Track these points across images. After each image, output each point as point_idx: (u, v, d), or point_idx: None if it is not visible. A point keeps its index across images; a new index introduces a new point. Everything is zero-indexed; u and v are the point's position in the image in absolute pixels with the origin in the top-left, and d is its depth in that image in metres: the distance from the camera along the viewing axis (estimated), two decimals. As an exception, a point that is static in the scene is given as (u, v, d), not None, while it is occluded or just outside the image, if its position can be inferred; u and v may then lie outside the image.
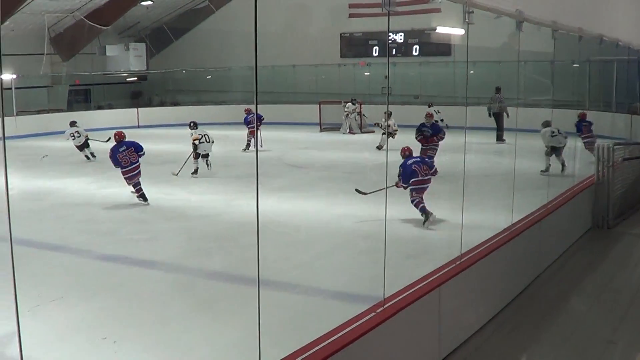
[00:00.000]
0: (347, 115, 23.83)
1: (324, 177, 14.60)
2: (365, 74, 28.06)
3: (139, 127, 27.05)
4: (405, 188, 10.20)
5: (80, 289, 7.65)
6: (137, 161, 12.05)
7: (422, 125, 13.93)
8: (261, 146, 18.31)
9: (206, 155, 14.91)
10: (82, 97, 31.08)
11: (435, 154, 13.77)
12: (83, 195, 13.34)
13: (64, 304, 7.11)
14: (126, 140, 12.26)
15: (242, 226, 10.07)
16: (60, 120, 27.25)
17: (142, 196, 12.05)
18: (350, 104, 23.93)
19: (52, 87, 30.32)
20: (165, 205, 12.09)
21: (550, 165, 13.98)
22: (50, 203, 12.55)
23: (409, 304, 5.36)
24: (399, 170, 10.22)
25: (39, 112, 27.74)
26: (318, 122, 25.02)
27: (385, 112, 17.35)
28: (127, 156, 12.03)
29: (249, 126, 18.74)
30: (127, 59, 29.93)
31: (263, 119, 18.45)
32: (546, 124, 13.92)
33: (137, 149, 12.10)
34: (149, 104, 31.79)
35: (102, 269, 8.44)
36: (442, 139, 13.99)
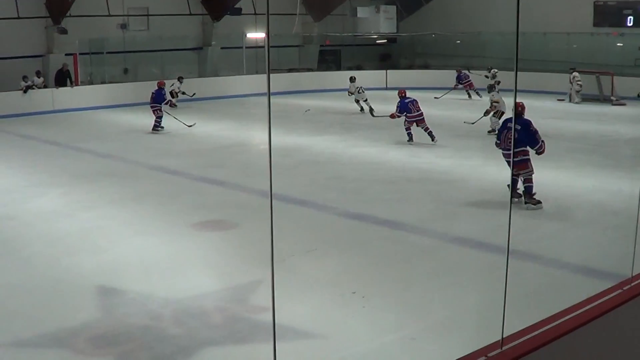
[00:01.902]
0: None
1: (573, 149, 14.18)
2: (618, 44, 26.63)
3: (386, 89, 27.54)
4: None
5: (329, 243, 8.00)
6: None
7: None
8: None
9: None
10: (332, 58, 32.19)
11: None
12: (331, 154, 13.87)
13: (315, 257, 7.49)
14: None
15: (487, 193, 10.12)
16: (309, 79, 28.60)
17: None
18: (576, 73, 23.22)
19: (303, 47, 31.72)
20: (412, 167, 12.34)
21: None
22: (299, 160, 13.09)
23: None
24: None
25: (290, 70, 29.13)
26: (567, 91, 24.15)
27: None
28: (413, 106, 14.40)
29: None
30: (378, 21, 30.30)
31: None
32: None
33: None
34: (397, 66, 32.17)
35: (349, 226, 8.78)
36: None
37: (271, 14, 22.36)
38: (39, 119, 21.55)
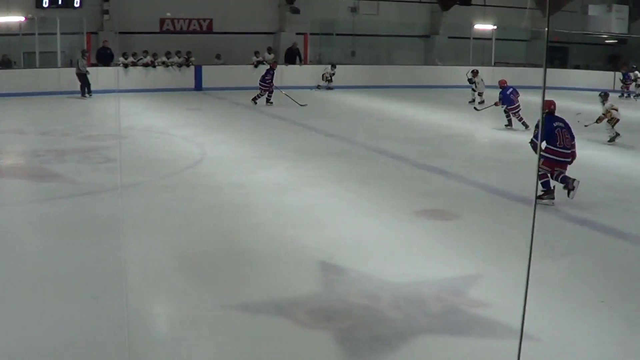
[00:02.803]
0: None
1: None
2: None
3: (614, 90, 26.10)
4: None
5: (552, 246, 7.41)
6: None
7: None
8: None
9: None
10: (559, 55, 30.98)
11: None
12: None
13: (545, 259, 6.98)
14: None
15: None
16: (535, 75, 27.62)
17: None
18: None
19: (530, 42, 30.78)
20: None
21: None
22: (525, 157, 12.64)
23: None
24: None
25: (516, 64, 28.37)
26: None
27: None
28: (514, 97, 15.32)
29: None
30: (609, 21, 28.74)
31: None
32: None
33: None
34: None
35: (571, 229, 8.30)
36: None
37: (501, 6, 22.24)
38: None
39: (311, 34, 27.13)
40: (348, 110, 19.42)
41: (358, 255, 6.90)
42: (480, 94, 20.82)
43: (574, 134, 9.19)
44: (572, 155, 9.15)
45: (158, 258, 6.69)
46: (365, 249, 7.12)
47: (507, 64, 27.71)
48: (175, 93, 23.06)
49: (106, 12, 25.72)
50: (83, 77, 21.90)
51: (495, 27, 27.70)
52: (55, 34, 23.82)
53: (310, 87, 24.42)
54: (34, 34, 24.01)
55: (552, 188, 9.05)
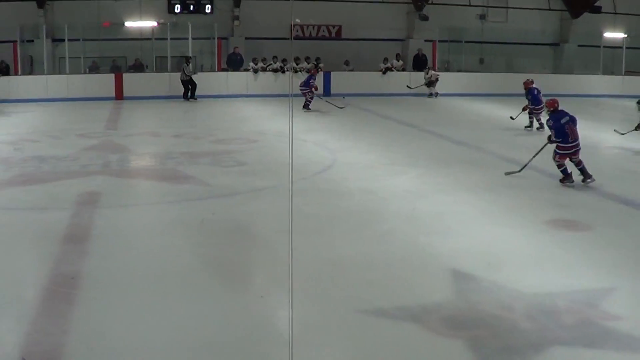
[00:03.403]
0: None
1: None
2: None
3: None
4: None
5: None
6: None
7: None
8: None
9: None
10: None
11: None
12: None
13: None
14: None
15: None
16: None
17: None
18: None
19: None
20: None
21: None
22: None
23: None
24: None
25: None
26: None
27: None
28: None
29: None
30: None
31: None
32: None
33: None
34: None
35: None
36: None
37: (631, 14, 21.52)
38: (395, 100, 22.62)
39: (439, 41, 27.05)
40: (476, 118, 19.29)
41: (489, 263, 6.91)
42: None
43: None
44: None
45: (293, 261, 6.88)
46: (497, 258, 7.11)
47: (639, 73, 26.80)
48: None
49: (236, 17, 26.55)
50: (188, 83, 22.60)
51: (625, 35, 26.83)
52: (186, 38, 24.77)
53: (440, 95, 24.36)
54: (166, 39, 25.05)
55: (570, 173, 10.45)
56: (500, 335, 5.35)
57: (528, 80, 16.21)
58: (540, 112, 15.57)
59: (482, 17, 27.79)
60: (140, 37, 26.65)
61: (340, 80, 24.66)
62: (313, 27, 27.50)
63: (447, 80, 25.38)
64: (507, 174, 11.10)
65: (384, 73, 24.79)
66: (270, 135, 15.40)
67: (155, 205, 9.66)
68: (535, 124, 16.26)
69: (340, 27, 27.62)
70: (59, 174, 11.36)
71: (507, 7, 28.15)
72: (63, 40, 24.76)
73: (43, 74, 24.42)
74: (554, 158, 10.45)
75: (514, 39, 27.62)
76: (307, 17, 26.73)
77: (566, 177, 10.46)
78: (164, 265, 6.92)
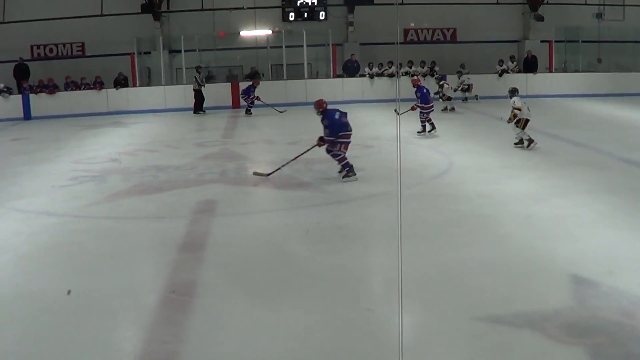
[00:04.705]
0: None
1: None
2: None
3: None
4: None
5: None
6: None
7: None
8: None
9: None
10: None
11: None
12: None
13: None
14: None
15: None
16: None
17: None
18: None
19: None
20: None
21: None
22: None
23: None
24: None
25: None
26: None
27: None
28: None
29: None
30: None
31: None
32: None
33: None
34: None
35: None
36: None
37: None
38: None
39: (556, 41, 26.46)
40: (593, 118, 18.76)
41: (610, 269, 6.75)
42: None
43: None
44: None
45: (407, 267, 6.92)
46: (618, 263, 6.94)
47: None
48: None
49: (351, 23, 26.75)
50: (199, 94, 22.94)
51: None
52: (301, 46, 25.14)
53: (556, 96, 23.81)
54: (281, 47, 25.51)
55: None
56: (621, 343, 5.25)
57: (414, 77, 16.50)
58: (429, 111, 15.66)
59: (599, 15, 26.97)
60: (256, 46, 27.26)
61: (456, 83, 24.40)
62: (427, 31, 27.41)
63: (563, 81, 24.83)
64: (256, 174, 11.82)
65: (500, 75, 24.45)
66: (385, 140, 15.48)
67: (271, 213, 9.90)
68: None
69: (454, 30, 27.41)
70: (176, 183, 11.80)
71: (625, 5, 27.24)
72: (179, 51, 25.71)
73: (160, 84, 25.38)
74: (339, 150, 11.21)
75: (632, 37, 26.70)
76: (421, 20, 26.70)
77: (349, 170, 11.28)
78: (280, 273, 7.08)
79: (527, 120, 13.48)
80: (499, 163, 12.28)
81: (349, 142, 11.25)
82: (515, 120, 13.51)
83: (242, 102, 22.77)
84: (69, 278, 7.10)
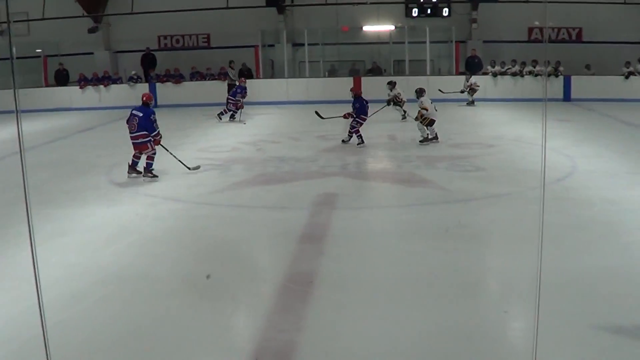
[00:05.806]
0: None
1: None
2: None
3: None
4: None
5: None
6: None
7: None
8: None
9: None
10: None
11: None
12: None
13: None
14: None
15: None
16: None
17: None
18: None
19: None
20: None
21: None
22: None
23: None
24: None
25: None
26: None
27: None
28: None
29: None
30: None
31: None
32: None
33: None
34: None
35: None
36: None
37: None
38: (633, 106, 21.43)
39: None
40: None
41: None
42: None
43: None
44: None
45: (530, 271, 6.76)
46: None
47: None
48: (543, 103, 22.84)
49: (474, 20, 26.35)
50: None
51: None
52: (424, 42, 24.96)
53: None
54: (403, 43, 25.40)
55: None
56: None
57: (357, 90, 16.27)
58: (362, 123, 14.89)
59: None
60: (378, 41, 27.25)
61: (581, 84, 23.66)
62: (552, 30, 26.66)
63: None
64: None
65: (627, 77, 23.51)
66: (507, 140, 15.18)
67: (391, 208, 9.89)
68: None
69: (580, 29, 26.54)
70: (298, 174, 11.98)
71: None
72: (303, 44, 25.99)
73: (284, 77, 25.72)
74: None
75: None
76: (546, 19, 26.00)
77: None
78: (399, 269, 7.05)
79: (432, 120, 14.57)
80: (626, 168, 11.76)
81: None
82: (422, 119, 14.58)
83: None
84: (191, 262, 7.35)
